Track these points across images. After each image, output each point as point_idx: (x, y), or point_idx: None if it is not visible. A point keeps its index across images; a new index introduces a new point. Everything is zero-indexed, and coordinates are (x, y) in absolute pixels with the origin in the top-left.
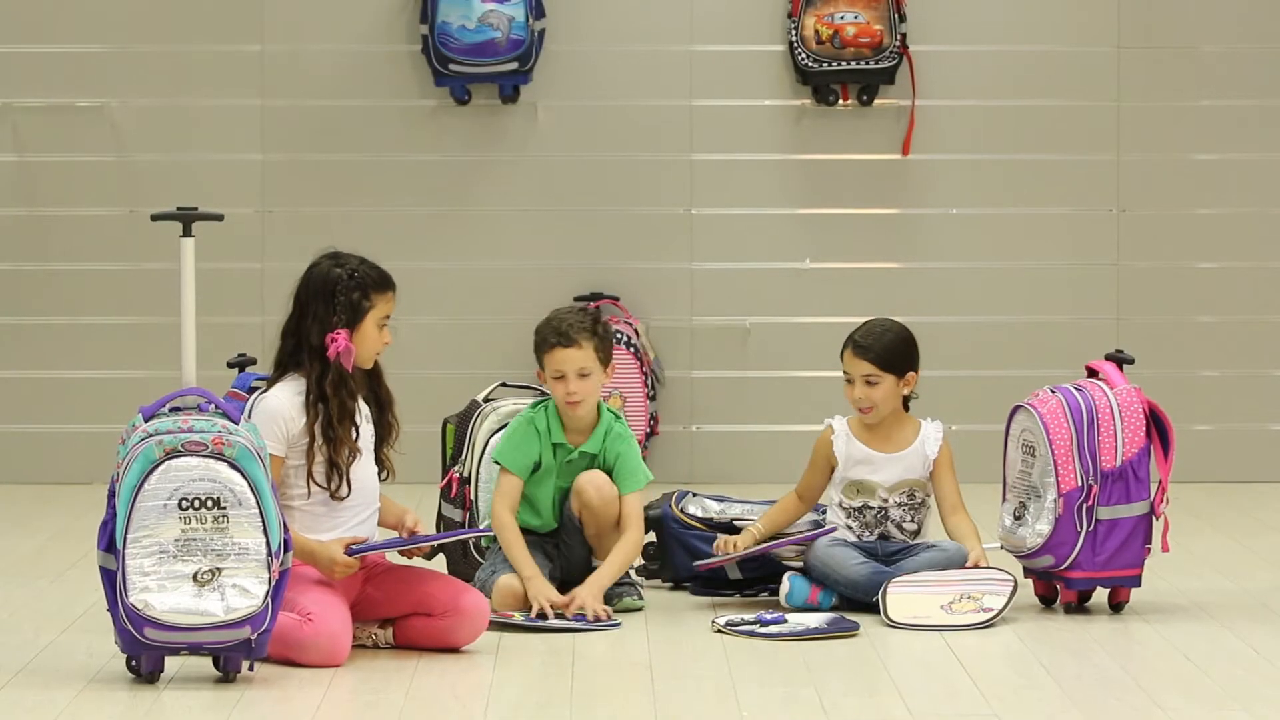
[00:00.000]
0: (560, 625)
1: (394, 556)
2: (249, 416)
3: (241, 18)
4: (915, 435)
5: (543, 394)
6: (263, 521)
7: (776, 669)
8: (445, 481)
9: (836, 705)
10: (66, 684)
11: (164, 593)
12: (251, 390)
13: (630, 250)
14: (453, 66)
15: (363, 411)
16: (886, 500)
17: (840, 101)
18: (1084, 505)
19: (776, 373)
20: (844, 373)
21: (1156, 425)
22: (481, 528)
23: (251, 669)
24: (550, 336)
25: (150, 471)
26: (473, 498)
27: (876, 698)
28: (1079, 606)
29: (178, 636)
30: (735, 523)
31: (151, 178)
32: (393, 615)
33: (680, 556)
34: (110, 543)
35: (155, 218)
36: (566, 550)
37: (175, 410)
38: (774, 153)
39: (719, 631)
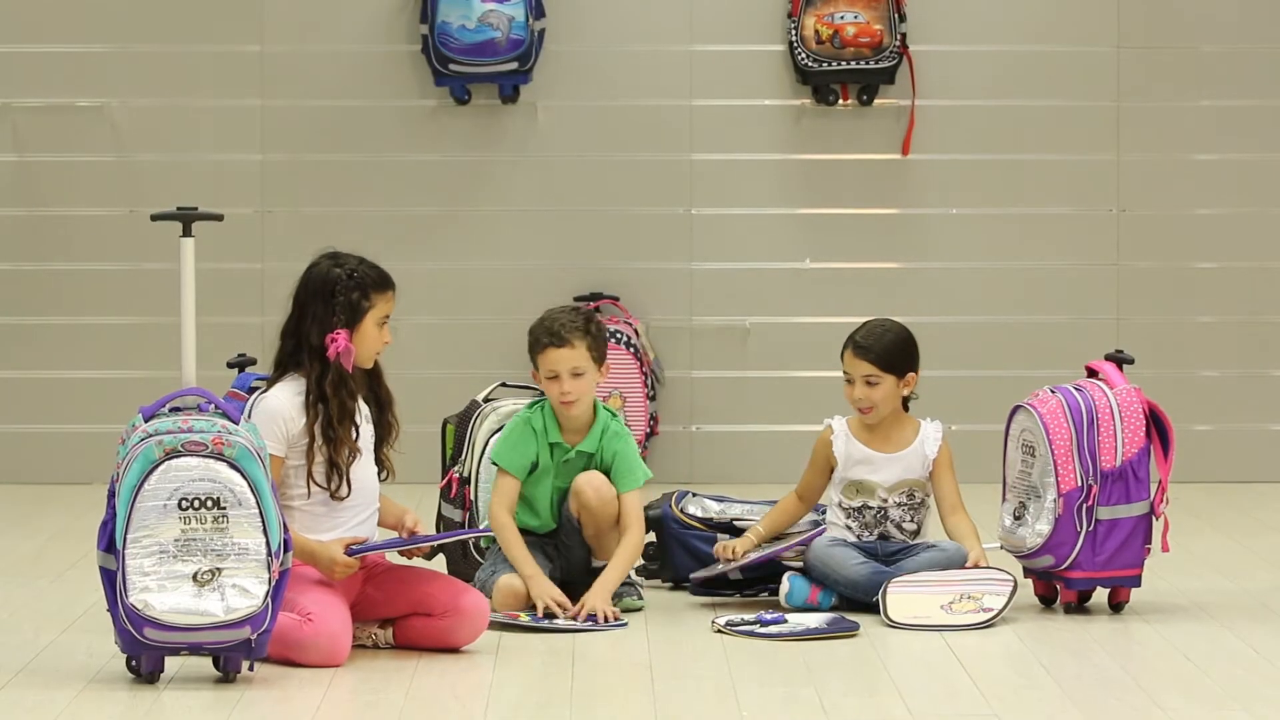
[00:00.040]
0: (568, 626)
1: (394, 556)
2: (249, 417)
3: (241, 18)
4: (915, 435)
5: (541, 394)
6: (263, 522)
7: (776, 669)
8: (445, 481)
9: (836, 705)
10: (66, 684)
11: (164, 593)
12: (251, 390)
13: (630, 250)
14: (453, 66)
15: (363, 411)
16: (886, 500)
17: (840, 101)
18: (1084, 505)
19: (776, 373)
20: (844, 373)
21: (1156, 425)
22: (481, 528)
23: (251, 669)
24: (543, 337)
25: (150, 471)
26: (472, 498)
27: (876, 698)
28: (1079, 606)
29: (178, 636)
30: (735, 523)
31: (151, 178)
32: (393, 615)
33: (680, 556)
34: (110, 543)
35: (155, 218)
36: (566, 551)
37: (175, 410)
38: (774, 153)
39: (719, 631)
